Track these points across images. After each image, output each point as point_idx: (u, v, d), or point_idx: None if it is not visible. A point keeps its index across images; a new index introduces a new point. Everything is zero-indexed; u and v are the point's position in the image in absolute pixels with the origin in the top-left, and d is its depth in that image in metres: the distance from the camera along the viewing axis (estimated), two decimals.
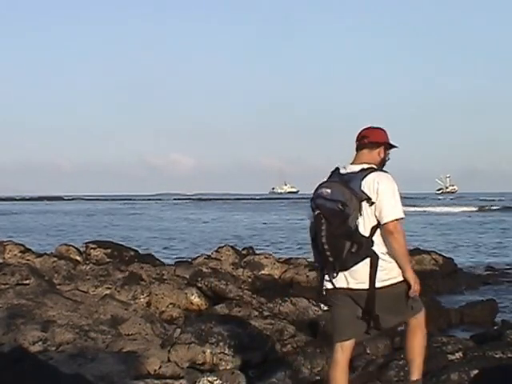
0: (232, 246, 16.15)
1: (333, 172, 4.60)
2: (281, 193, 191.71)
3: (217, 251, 15.68)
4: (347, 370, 4.57)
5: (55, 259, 13.24)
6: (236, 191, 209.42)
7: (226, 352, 6.74)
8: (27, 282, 10.38)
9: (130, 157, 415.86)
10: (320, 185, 4.52)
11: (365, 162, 4.54)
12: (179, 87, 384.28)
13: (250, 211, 70.42)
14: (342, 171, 4.54)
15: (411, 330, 4.66)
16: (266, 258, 14.97)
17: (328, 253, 4.32)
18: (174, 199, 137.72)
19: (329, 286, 4.48)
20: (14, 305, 8.53)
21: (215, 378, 5.95)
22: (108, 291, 10.32)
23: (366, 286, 4.36)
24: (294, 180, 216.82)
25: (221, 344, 6.78)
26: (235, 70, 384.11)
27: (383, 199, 4.36)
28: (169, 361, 6.56)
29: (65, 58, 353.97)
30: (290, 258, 16.24)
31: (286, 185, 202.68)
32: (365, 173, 4.43)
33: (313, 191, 4.56)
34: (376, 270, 4.34)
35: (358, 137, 4.66)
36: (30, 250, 14.83)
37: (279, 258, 15.95)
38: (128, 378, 6.08)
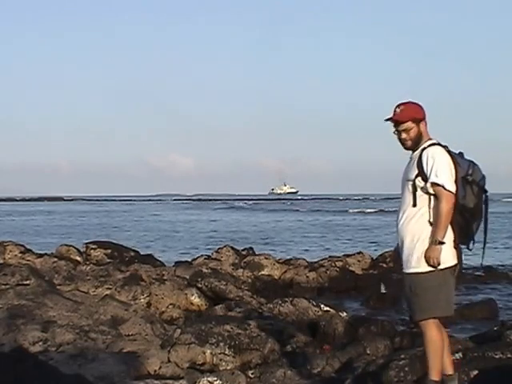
0: (232, 247, 16.17)
1: (446, 148, 4.76)
2: (280, 193, 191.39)
3: (217, 252, 15.72)
4: None
5: (55, 260, 13.28)
6: (235, 192, 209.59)
7: (226, 352, 6.75)
8: (27, 282, 10.37)
9: (129, 157, 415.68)
10: (474, 164, 4.70)
11: None
12: (179, 87, 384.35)
13: (250, 212, 70.41)
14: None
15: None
16: (266, 258, 14.99)
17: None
18: (174, 200, 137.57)
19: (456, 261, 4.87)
20: (14, 305, 8.53)
21: (215, 379, 5.96)
22: (108, 292, 10.32)
23: None
24: (293, 180, 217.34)
25: (221, 344, 6.78)
26: (235, 69, 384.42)
27: None
28: (169, 361, 6.56)
29: (65, 58, 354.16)
30: (290, 259, 16.27)
31: (285, 185, 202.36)
32: None
33: (469, 170, 4.68)
34: None
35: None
36: (30, 250, 14.87)
37: (279, 259, 15.98)
38: (128, 378, 6.09)
